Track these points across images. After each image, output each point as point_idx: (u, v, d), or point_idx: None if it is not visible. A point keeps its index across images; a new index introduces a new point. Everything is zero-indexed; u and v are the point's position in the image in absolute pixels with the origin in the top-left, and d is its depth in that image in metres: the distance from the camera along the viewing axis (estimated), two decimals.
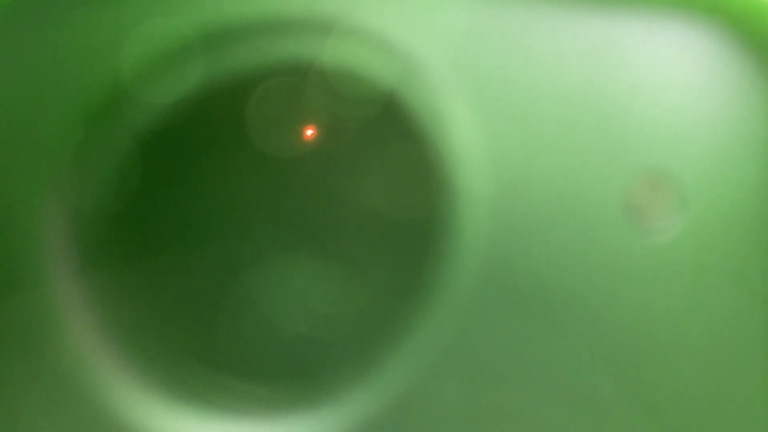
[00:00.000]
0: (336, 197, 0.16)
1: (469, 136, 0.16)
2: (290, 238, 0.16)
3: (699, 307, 0.17)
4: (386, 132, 0.16)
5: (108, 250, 0.15)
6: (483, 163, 0.16)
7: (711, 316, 0.17)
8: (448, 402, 0.16)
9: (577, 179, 0.16)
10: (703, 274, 0.17)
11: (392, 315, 0.16)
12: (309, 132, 0.16)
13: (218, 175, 0.16)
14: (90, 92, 0.15)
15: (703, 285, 0.17)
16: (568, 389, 0.16)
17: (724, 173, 0.17)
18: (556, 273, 0.16)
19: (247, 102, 0.15)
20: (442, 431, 0.16)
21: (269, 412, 0.16)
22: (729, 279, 0.17)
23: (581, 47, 0.16)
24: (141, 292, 0.15)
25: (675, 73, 0.17)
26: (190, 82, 0.15)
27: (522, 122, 0.16)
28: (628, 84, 0.16)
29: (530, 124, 0.16)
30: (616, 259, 0.16)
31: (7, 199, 0.15)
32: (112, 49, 0.15)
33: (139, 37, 0.15)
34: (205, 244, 0.16)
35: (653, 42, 0.17)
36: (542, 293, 0.16)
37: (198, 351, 0.16)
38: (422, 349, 0.16)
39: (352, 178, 0.16)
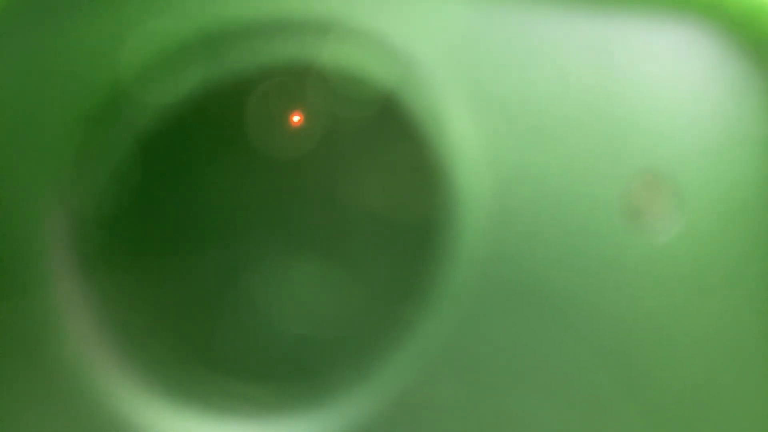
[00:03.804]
0: (335, 197, 0.16)
1: (467, 137, 0.16)
2: (289, 237, 0.16)
3: (697, 306, 0.17)
4: (385, 133, 0.16)
5: (108, 250, 0.15)
6: (482, 164, 0.16)
7: (709, 315, 0.17)
8: (447, 402, 0.16)
9: (575, 179, 0.16)
10: (701, 274, 0.17)
11: (391, 315, 0.16)
12: (296, 119, 0.16)
13: (218, 176, 0.16)
14: (90, 93, 0.15)
15: (701, 285, 0.17)
16: (567, 389, 0.16)
17: (722, 174, 0.17)
18: (554, 273, 0.16)
19: (247, 103, 0.15)
20: (442, 431, 0.16)
21: (268, 412, 0.16)
22: (727, 279, 0.17)
23: (580, 48, 0.16)
24: (141, 293, 0.15)
25: (674, 74, 0.17)
26: (189, 83, 0.15)
27: (521, 122, 0.16)
28: (627, 84, 0.16)
29: (529, 125, 0.16)
30: (615, 259, 0.16)
31: (7, 200, 0.15)
32: (112, 50, 0.15)
33: (138, 37, 0.15)
34: (205, 245, 0.16)
35: (652, 42, 0.17)
36: (541, 293, 0.16)
37: (198, 352, 0.16)
38: (422, 349, 0.16)
39: (351, 178, 0.16)
